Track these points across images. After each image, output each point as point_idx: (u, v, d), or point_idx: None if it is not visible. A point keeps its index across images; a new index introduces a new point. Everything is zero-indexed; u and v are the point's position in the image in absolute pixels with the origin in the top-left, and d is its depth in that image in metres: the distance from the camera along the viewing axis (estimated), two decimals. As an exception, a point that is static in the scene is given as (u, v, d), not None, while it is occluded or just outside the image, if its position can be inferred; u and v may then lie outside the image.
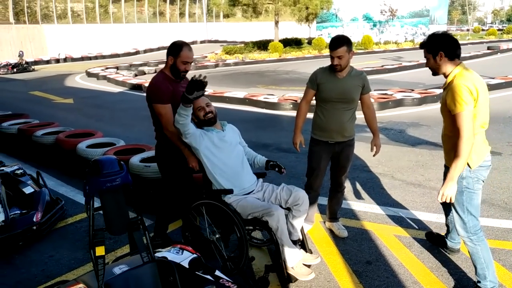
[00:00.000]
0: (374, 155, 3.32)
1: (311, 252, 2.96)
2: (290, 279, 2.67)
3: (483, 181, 2.54)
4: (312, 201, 3.27)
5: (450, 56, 2.44)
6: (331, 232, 3.50)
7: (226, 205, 2.72)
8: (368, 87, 3.19)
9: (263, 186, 2.95)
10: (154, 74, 3.06)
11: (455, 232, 2.96)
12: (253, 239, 3.27)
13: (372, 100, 7.42)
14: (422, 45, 2.58)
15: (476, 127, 2.41)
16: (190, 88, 2.54)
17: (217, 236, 2.82)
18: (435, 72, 2.57)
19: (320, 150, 3.25)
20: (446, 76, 2.50)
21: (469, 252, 2.59)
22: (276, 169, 2.97)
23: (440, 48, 2.45)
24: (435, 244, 3.22)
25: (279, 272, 2.72)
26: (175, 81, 2.96)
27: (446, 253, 3.09)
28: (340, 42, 2.94)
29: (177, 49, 2.85)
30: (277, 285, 2.75)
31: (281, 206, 2.75)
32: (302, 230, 2.92)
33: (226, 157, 2.84)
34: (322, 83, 3.10)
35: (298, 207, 2.78)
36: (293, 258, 2.64)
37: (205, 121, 2.86)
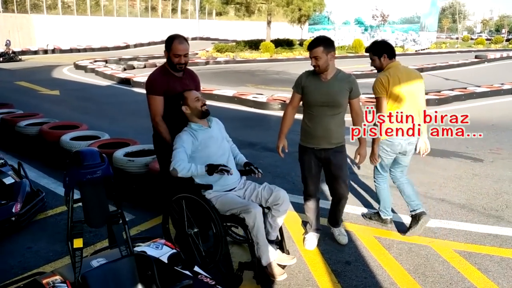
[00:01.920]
0: (357, 165, 3.33)
1: (288, 253, 2.97)
2: (263, 277, 2.68)
3: (397, 153, 3.36)
4: (312, 207, 3.24)
5: (390, 57, 3.24)
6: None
7: (205, 201, 2.73)
8: (357, 91, 2.98)
9: (245, 184, 2.95)
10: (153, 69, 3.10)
11: (386, 206, 3.61)
12: (237, 236, 3.28)
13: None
14: (368, 50, 3.33)
15: (392, 108, 3.22)
16: (211, 170, 2.66)
17: (195, 230, 2.82)
18: (380, 69, 3.29)
19: (308, 158, 3.13)
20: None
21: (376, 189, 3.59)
22: (252, 174, 2.96)
23: (384, 51, 3.24)
24: (371, 219, 3.71)
25: (253, 270, 2.72)
26: (172, 75, 2.98)
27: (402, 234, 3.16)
28: (316, 42, 2.87)
29: (168, 43, 2.92)
30: (251, 283, 2.76)
31: (261, 205, 2.77)
32: (280, 230, 2.93)
33: (212, 153, 2.83)
34: (306, 86, 2.98)
35: (278, 207, 2.78)
36: (267, 256, 2.65)
37: (201, 112, 2.82)
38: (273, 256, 2.69)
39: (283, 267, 2.79)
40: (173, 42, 2.89)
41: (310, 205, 3.23)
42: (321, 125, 2.99)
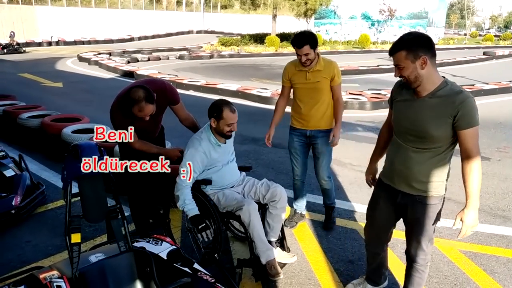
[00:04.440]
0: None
1: (289, 251, 2.90)
2: (262, 274, 2.63)
3: None
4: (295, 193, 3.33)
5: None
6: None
7: (205, 197, 2.70)
8: (469, 120, 1.93)
9: (244, 179, 2.91)
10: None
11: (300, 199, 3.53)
12: (238, 232, 3.24)
13: (345, 97, 7.18)
14: (303, 43, 2.96)
15: None
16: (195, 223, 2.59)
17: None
18: (311, 62, 3.05)
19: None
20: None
21: (328, 189, 3.41)
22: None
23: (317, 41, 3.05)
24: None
25: (251, 267, 2.68)
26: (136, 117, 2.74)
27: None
28: (397, 44, 1.99)
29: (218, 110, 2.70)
30: (251, 280, 2.72)
31: (259, 202, 2.73)
32: (282, 228, 2.87)
33: (218, 161, 2.79)
34: (395, 102, 2.20)
35: (275, 204, 2.72)
36: (266, 255, 2.58)
37: (223, 134, 2.71)
38: (272, 255, 2.60)
39: (283, 265, 2.73)
40: (135, 106, 2.61)
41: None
42: (400, 157, 2.14)
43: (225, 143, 2.78)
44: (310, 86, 3.14)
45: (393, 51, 1.99)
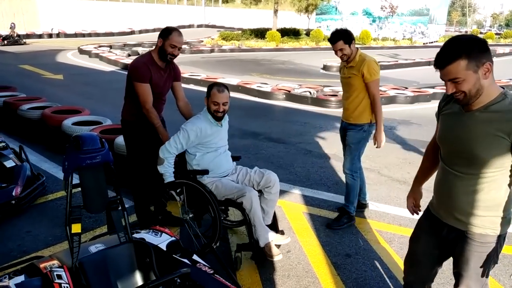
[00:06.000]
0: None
1: (282, 233, 3.01)
2: (261, 257, 2.78)
3: None
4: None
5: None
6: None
7: (203, 186, 2.81)
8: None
9: (237, 169, 3.05)
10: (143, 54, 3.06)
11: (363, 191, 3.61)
12: (228, 222, 3.36)
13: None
14: (336, 39, 3.12)
15: None
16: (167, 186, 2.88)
17: (190, 215, 2.93)
18: (349, 57, 3.18)
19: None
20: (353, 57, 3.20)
21: (348, 183, 3.42)
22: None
23: (353, 37, 3.17)
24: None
25: (251, 251, 2.82)
26: (156, 64, 2.98)
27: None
28: (452, 52, 1.50)
29: (167, 32, 2.94)
30: (249, 263, 2.77)
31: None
32: (274, 213, 3.02)
33: (213, 146, 2.92)
34: (442, 114, 1.79)
35: (270, 189, 2.89)
36: (265, 238, 2.75)
37: (212, 114, 2.87)
38: (270, 237, 2.78)
39: (278, 246, 2.88)
40: (172, 33, 2.92)
41: None
42: (444, 184, 1.78)
43: (220, 126, 2.93)
44: (344, 80, 3.35)
45: (445, 62, 1.50)
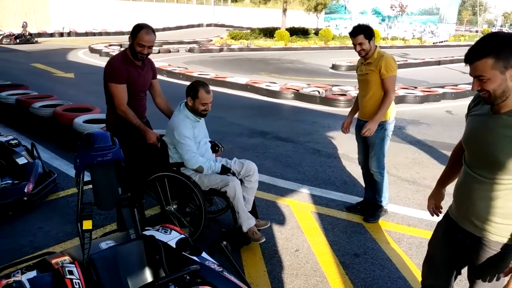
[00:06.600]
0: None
1: (262, 219, 3.20)
2: (245, 242, 2.96)
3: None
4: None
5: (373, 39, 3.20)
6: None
7: (187, 177, 2.93)
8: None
9: (217, 160, 3.15)
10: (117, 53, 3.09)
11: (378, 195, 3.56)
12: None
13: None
14: (357, 33, 3.15)
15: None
16: (224, 171, 2.96)
17: (174, 207, 3.09)
18: (367, 53, 3.20)
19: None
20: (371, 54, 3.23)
21: (377, 181, 3.49)
22: (217, 148, 3.26)
23: (373, 34, 3.20)
24: (357, 213, 3.65)
25: (235, 237, 2.94)
26: (133, 63, 2.95)
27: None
28: (479, 51, 1.47)
29: (135, 31, 2.88)
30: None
31: None
32: (253, 201, 3.19)
33: (196, 136, 3.03)
34: (469, 115, 1.79)
35: (250, 178, 3.08)
36: (248, 223, 2.90)
37: (198, 113, 2.96)
38: (252, 223, 2.93)
39: (260, 230, 3.04)
40: (140, 31, 2.84)
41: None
42: (464, 187, 1.74)
43: (199, 120, 3.03)
44: (362, 78, 3.36)
45: (474, 58, 1.48)
